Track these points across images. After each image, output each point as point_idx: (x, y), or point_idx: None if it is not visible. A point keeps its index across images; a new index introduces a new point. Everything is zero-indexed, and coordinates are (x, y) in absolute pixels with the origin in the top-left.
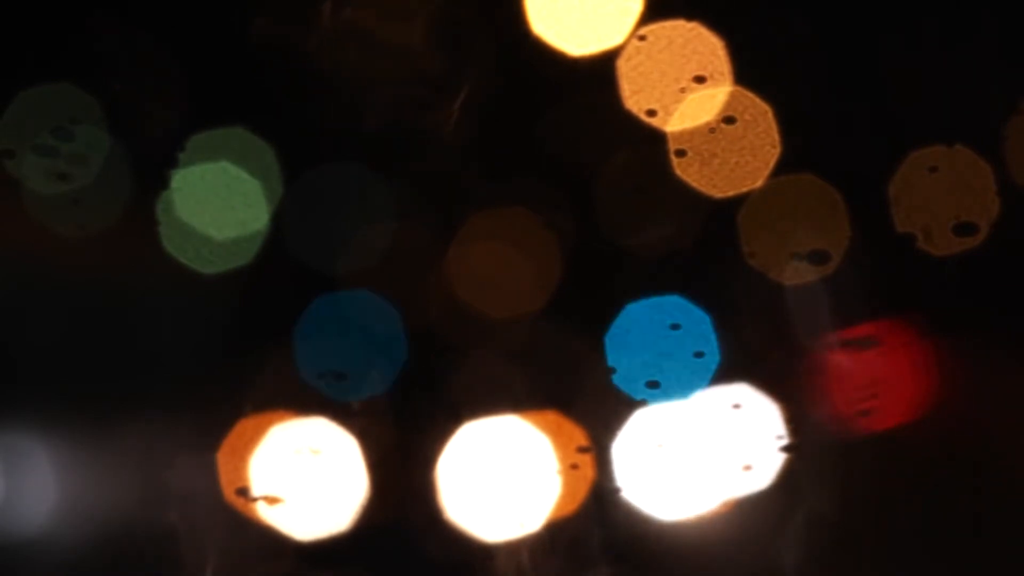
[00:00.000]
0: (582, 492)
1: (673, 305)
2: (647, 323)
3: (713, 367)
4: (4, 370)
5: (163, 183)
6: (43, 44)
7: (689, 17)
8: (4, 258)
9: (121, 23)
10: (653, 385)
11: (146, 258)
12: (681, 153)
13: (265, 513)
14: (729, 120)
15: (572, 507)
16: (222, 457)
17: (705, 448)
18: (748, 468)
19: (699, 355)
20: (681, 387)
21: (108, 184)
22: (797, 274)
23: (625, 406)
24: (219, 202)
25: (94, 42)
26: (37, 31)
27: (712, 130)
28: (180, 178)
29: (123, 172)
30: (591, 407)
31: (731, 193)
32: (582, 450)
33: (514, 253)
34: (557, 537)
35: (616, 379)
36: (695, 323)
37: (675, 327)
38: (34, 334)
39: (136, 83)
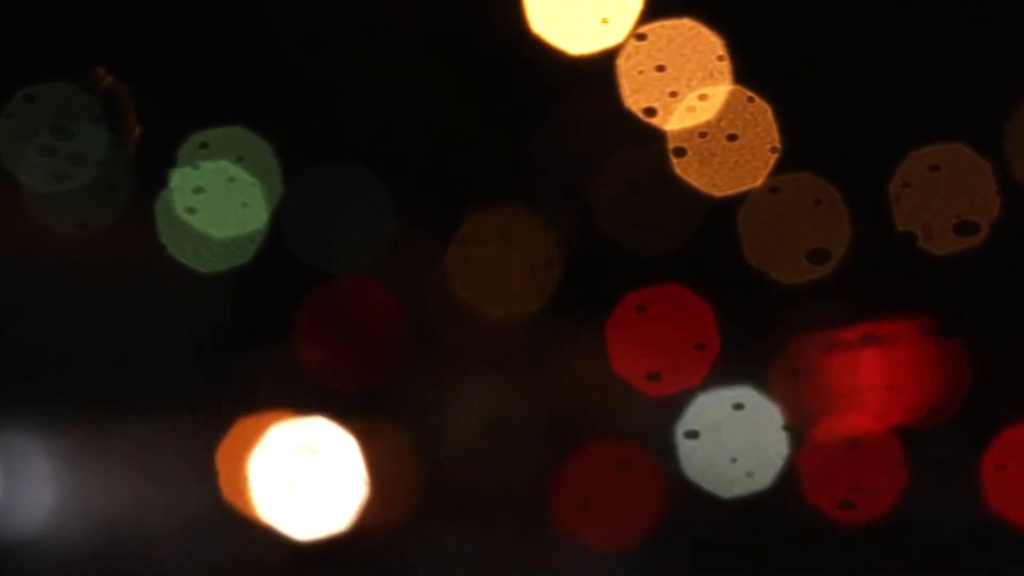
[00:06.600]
0: (581, 490)
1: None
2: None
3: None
4: (4, 369)
5: (163, 183)
6: (43, 44)
7: (689, 16)
8: (4, 258)
9: (121, 24)
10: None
11: (146, 258)
12: (680, 152)
13: (265, 512)
14: (728, 120)
15: (571, 505)
16: (221, 456)
17: (704, 444)
18: (749, 465)
19: (699, 347)
20: (681, 380)
21: (108, 184)
22: (797, 273)
23: (625, 404)
24: (219, 201)
25: (94, 42)
26: (37, 31)
27: (704, 134)
28: (180, 178)
29: (123, 172)
30: (590, 405)
31: (730, 192)
32: (581, 447)
33: (514, 253)
34: (556, 535)
35: (616, 374)
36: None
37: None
38: (34, 333)
39: (136, 83)
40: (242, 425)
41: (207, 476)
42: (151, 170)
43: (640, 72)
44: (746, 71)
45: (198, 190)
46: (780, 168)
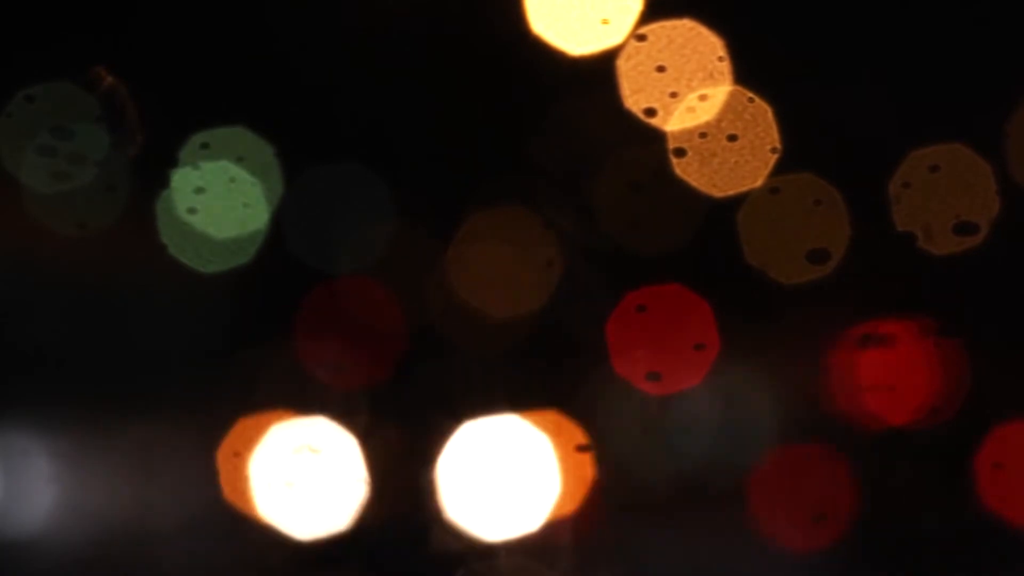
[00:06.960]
0: (582, 491)
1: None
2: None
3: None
4: (4, 369)
5: (163, 183)
6: (43, 44)
7: (689, 17)
8: (4, 258)
9: (121, 24)
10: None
11: (146, 258)
12: (680, 152)
13: (265, 512)
14: (729, 120)
15: (572, 506)
16: (221, 456)
17: (706, 444)
18: (751, 463)
19: (699, 347)
20: (681, 380)
21: (108, 184)
22: (797, 273)
23: (625, 404)
24: (219, 202)
25: (94, 42)
26: (37, 31)
27: (704, 134)
28: (180, 178)
29: (123, 172)
30: (591, 406)
31: (731, 192)
32: (582, 449)
33: (514, 253)
34: (556, 536)
35: (616, 374)
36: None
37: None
38: (34, 333)
39: (136, 83)
40: (242, 425)
41: (207, 476)
42: (151, 170)
43: (640, 73)
44: (746, 71)
45: (199, 190)
46: (780, 168)
